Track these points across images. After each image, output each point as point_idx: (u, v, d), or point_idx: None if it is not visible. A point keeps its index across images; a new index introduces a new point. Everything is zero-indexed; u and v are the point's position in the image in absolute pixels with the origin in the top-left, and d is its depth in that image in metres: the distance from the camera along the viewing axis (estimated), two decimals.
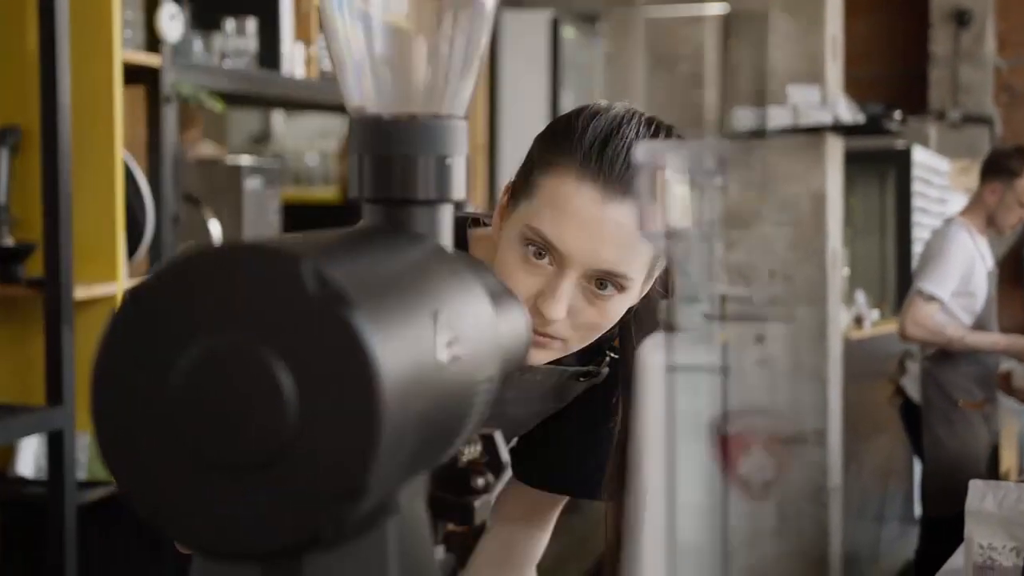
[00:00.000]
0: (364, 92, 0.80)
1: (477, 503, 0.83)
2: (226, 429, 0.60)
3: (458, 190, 0.80)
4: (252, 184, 3.81)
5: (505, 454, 0.86)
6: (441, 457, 0.74)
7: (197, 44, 3.60)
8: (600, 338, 1.41)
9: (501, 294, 0.84)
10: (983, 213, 4.58)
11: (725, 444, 0.67)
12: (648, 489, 0.67)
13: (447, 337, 0.68)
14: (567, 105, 7.82)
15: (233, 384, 0.60)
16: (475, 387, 0.73)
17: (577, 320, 1.35)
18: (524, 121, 6.53)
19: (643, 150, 0.75)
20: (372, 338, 0.59)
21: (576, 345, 1.38)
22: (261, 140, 6.26)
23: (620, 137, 1.34)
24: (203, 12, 3.71)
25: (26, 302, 2.88)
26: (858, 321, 6.07)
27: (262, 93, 4.03)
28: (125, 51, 3.03)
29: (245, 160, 4.05)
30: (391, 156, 0.78)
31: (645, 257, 1.35)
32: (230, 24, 3.79)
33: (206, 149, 4.59)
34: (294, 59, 4.01)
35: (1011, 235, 8.59)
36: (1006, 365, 4.83)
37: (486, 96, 5.69)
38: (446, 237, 0.80)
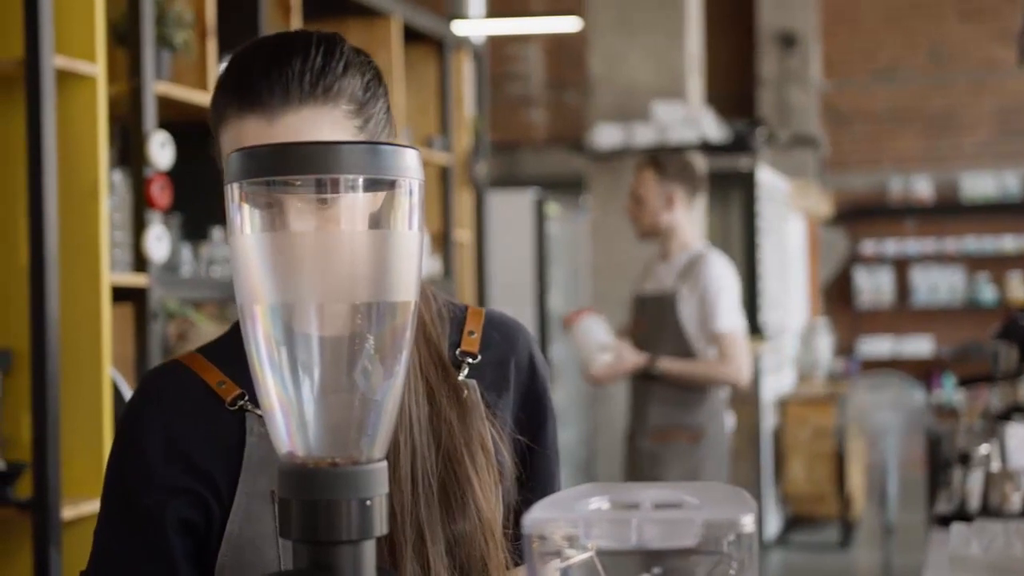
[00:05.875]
0: (292, 440, 0.88)
1: None
2: None
3: (380, 526, 0.87)
4: None
5: None
6: None
7: (186, 253, 3.71)
8: None
9: None
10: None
11: None
12: None
13: None
14: (555, 276, 7.98)
15: None
16: None
17: None
18: (512, 297, 6.64)
19: None
20: None
21: None
22: None
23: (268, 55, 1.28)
24: (192, 222, 3.82)
25: (14, 523, 2.92)
26: None
27: None
28: (114, 273, 3.13)
29: None
30: (316, 501, 0.86)
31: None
32: (217, 232, 3.91)
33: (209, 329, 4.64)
34: None
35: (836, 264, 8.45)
36: None
37: (474, 273, 5.79)
38: (368, 571, 0.87)
